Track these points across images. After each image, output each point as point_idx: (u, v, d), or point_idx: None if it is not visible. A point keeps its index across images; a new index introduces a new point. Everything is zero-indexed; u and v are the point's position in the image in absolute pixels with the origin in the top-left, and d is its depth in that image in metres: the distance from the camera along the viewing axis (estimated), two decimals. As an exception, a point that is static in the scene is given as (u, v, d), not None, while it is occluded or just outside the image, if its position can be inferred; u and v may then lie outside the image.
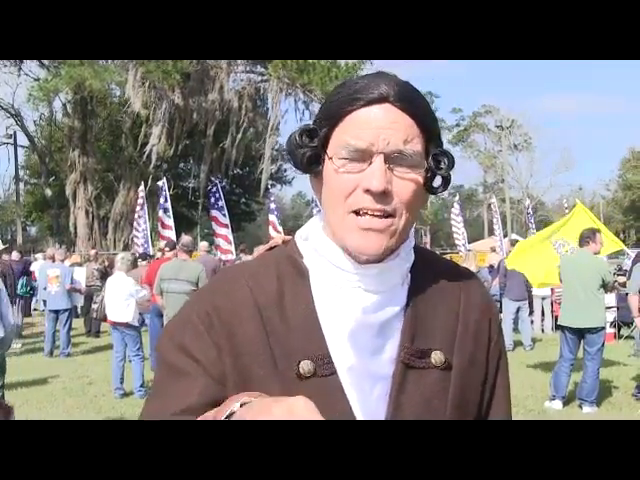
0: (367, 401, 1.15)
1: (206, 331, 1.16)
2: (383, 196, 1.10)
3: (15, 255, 15.64)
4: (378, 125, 1.10)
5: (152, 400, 1.20)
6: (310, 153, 1.15)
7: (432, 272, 1.26)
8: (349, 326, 1.15)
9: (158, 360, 1.23)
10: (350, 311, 1.16)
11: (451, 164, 1.18)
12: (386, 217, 1.12)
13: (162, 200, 18.47)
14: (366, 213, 1.12)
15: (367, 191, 1.10)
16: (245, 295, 1.18)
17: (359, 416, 1.13)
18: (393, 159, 1.11)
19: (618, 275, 13.05)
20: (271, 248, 1.31)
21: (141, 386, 8.89)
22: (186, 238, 9.21)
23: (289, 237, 1.31)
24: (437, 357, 1.18)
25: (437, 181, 1.18)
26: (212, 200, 20.13)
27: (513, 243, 14.06)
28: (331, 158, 1.13)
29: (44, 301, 13.24)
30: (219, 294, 1.20)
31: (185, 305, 1.26)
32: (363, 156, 1.11)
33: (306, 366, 1.12)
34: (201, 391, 1.13)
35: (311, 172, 1.19)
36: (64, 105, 30.67)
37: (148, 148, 26.68)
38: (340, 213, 1.14)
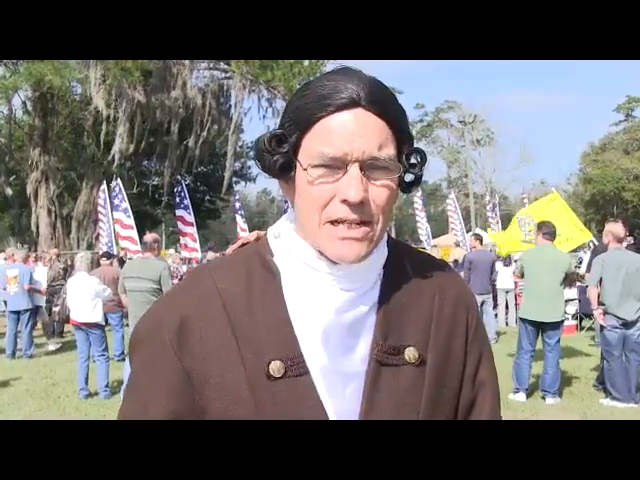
0: (340, 400, 1.14)
1: (172, 342, 1.15)
2: (360, 205, 1.09)
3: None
4: (351, 132, 1.08)
5: (120, 412, 1.21)
6: (282, 160, 1.13)
7: (406, 266, 1.25)
8: (321, 325, 1.14)
9: (130, 363, 1.23)
10: (322, 310, 1.15)
11: (423, 161, 1.18)
12: (363, 224, 1.11)
13: (117, 202, 18.29)
14: (343, 222, 1.10)
15: (344, 201, 1.08)
16: (213, 296, 1.17)
17: (331, 415, 1.12)
18: (368, 166, 1.09)
19: (578, 268, 13.25)
20: (243, 245, 1.29)
21: (106, 386, 8.81)
22: (148, 236, 9.11)
23: (263, 233, 1.29)
24: (411, 353, 1.17)
25: (409, 177, 1.17)
26: (177, 199, 20.03)
27: (477, 238, 14.19)
28: (305, 169, 1.10)
29: (5, 302, 13.02)
30: (187, 298, 1.19)
31: (154, 308, 1.24)
32: (337, 164, 1.08)
33: (276, 366, 1.11)
34: (157, 413, 1.14)
35: (282, 178, 1.17)
36: (24, 103, 30.16)
37: (115, 146, 26.33)
38: (316, 222, 1.12)
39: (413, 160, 1.16)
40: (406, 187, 1.19)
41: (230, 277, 1.19)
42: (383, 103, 1.11)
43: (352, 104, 1.09)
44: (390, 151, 1.11)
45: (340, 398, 1.14)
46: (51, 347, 12.95)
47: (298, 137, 1.12)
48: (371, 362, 1.15)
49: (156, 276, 8.27)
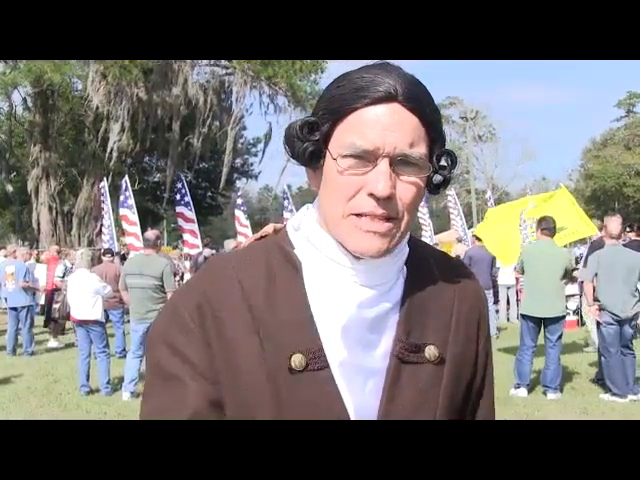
0: (359, 396, 1.14)
1: (196, 328, 1.14)
2: (387, 201, 1.08)
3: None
4: (385, 126, 1.07)
5: (147, 404, 1.18)
6: (312, 148, 1.12)
7: (427, 265, 1.25)
8: (343, 320, 1.13)
9: (148, 358, 1.20)
10: (344, 305, 1.14)
11: (454, 164, 1.17)
12: (387, 220, 1.10)
13: (122, 198, 18.31)
14: (367, 215, 1.09)
15: (371, 195, 1.08)
16: (233, 287, 1.15)
17: (350, 410, 1.12)
18: (398, 162, 1.08)
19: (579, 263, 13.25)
20: (262, 237, 1.28)
21: (107, 383, 8.83)
22: (149, 233, 9.11)
23: (281, 225, 1.28)
24: (431, 352, 1.17)
25: (437, 179, 1.16)
26: (178, 196, 20.06)
27: (478, 234, 14.18)
28: (335, 159, 1.09)
29: (5, 299, 13.06)
30: (208, 286, 1.17)
31: (173, 298, 1.22)
32: (368, 157, 1.07)
33: (297, 360, 1.10)
34: (194, 399, 1.12)
35: (311, 166, 1.16)
36: (24, 99, 30.15)
37: (110, 144, 26.32)
38: (340, 213, 1.11)
39: (443, 162, 1.15)
40: (433, 188, 1.18)
41: (250, 268, 1.18)
42: (420, 101, 1.10)
43: (388, 98, 1.08)
44: (422, 150, 1.10)
45: (360, 393, 1.14)
46: (52, 344, 12.95)
47: (331, 126, 1.11)
48: (392, 359, 1.15)
49: (158, 273, 8.27)
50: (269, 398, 1.10)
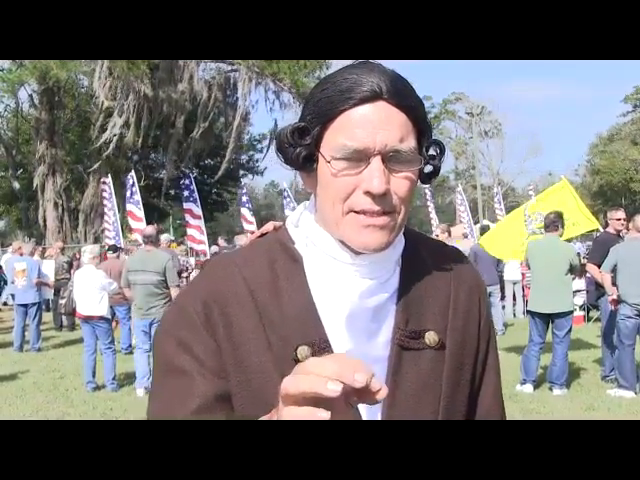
0: None
1: (202, 324, 1.16)
2: (383, 197, 1.11)
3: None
4: (374, 125, 1.09)
5: (155, 401, 1.21)
6: (305, 152, 1.14)
7: (422, 254, 1.28)
8: (345, 311, 1.16)
9: (156, 356, 1.23)
10: (346, 296, 1.17)
11: (442, 153, 1.20)
12: (385, 214, 1.12)
13: (129, 194, 18.32)
14: (365, 212, 1.12)
15: (367, 193, 1.10)
16: (238, 283, 1.19)
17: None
18: (390, 158, 1.11)
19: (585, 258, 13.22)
20: (262, 235, 1.31)
21: (113, 379, 8.88)
22: (147, 228, 9.11)
23: (280, 223, 1.31)
24: (431, 337, 1.20)
25: (428, 169, 1.19)
26: (186, 193, 20.05)
27: (484, 229, 14.15)
28: (329, 161, 1.11)
29: (12, 295, 13.10)
30: (213, 284, 1.20)
31: (180, 296, 1.26)
32: (360, 156, 1.10)
33: (303, 351, 1.13)
34: (202, 392, 1.14)
35: (305, 170, 1.18)
36: (30, 96, 30.21)
37: (109, 134, 26.29)
38: (339, 212, 1.14)
39: (432, 152, 1.18)
40: (425, 178, 1.21)
41: (253, 265, 1.21)
42: (404, 95, 1.13)
43: (374, 97, 1.10)
44: (411, 143, 1.12)
45: None
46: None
47: (320, 130, 1.13)
48: (393, 347, 1.18)
49: (160, 268, 8.28)
50: (278, 389, 1.11)
